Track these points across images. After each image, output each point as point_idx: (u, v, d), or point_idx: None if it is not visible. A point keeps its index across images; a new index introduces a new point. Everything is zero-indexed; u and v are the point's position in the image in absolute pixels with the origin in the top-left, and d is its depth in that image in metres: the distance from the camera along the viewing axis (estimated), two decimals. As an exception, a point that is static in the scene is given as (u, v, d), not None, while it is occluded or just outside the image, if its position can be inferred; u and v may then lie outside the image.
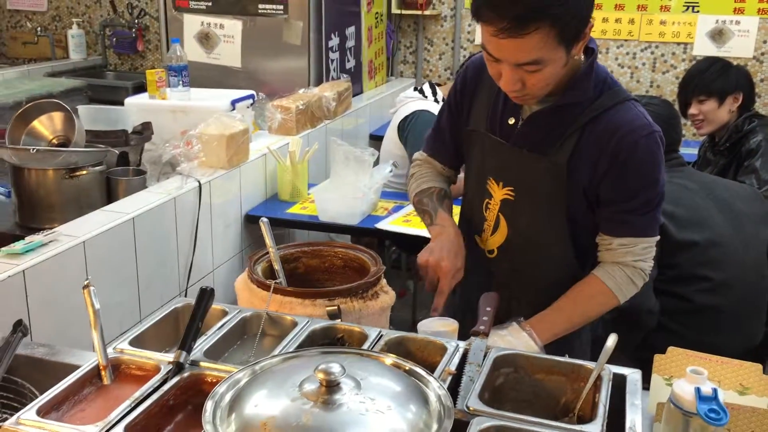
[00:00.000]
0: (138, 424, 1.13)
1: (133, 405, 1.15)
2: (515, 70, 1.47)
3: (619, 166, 1.57)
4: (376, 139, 4.11)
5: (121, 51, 5.40)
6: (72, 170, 2.35)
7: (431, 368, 1.27)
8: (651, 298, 2.27)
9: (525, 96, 1.54)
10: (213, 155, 2.69)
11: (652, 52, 4.55)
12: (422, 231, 2.39)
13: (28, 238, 1.96)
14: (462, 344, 1.40)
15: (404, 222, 2.79)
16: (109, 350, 1.30)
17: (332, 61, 3.98)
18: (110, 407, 1.15)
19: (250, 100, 3.22)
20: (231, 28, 3.86)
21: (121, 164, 2.62)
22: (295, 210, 2.95)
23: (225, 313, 1.49)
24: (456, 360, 1.35)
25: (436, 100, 3.27)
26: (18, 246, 1.90)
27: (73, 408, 1.19)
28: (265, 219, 1.72)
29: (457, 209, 1.89)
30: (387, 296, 1.68)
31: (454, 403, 1.14)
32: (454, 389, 1.25)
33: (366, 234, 2.94)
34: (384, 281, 1.72)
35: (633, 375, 1.33)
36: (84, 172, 2.37)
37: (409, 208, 2.92)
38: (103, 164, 2.46)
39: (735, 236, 2.37)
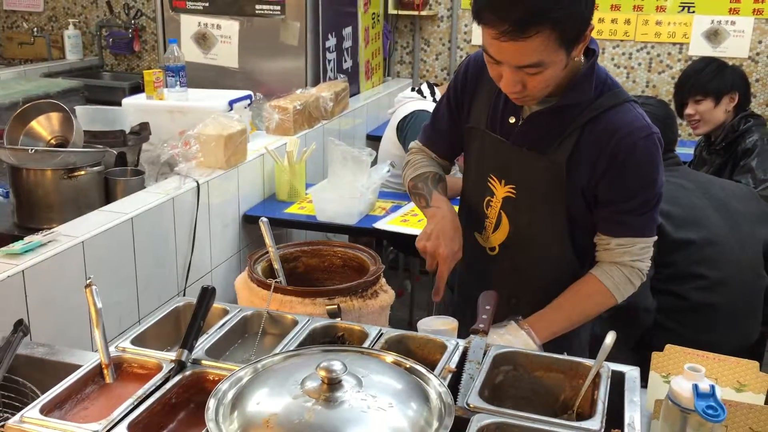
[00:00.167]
0: (141, 422, 1.13)
1: (135, 403, 1.16)
2: (516, 72, 1.48)
3: (617, 166, 1.59)
4: (373, 140, 4.12)
5: (118, 51, 5.39)
6: (70, 170, 2.36)
7: (431, 366, 1.28)
8: (648, 296, 2.28)
9: (525, 97, 1.56)
10: (211, 155, 2.69)
11: (648, 53, 4.57)
12: (420, 231, 2.39)
13: (27, 238, 1.96)
14: (462, 342, 1.41)
15: (402, 222, 2.80)
16: (111, 349, 1.30)
17: (329, 61, 3.99)
18: (113, 405, 1.15)
19: (248, 101, 3.22)
20: (228, 28, 3.86)
21: (119, 165, 2.62)
22: (293, 210, 2.95)
23: (226, 312, 1.50)
24: (456, 358, 1.36)
25: (434, 100, 3.28)
26: (17, 246, 1.90)
27: (75, 406, 1.20)
28: (264, 219, 1.73)
29: (455, 208, 1.89)
30: (386, 295, 1.69)
31: (455, 401, 1.15)
32: (454, 387, 1.25)
33: (364, 234, 2.94)
34: (383, 280, 1.73)
35: (631, 372, 1.34)
36: (82, 172, 2.37)
37: (407, 208, 2.93)
38: (101, 164, 2.46)
39: (731, 235, 2.39)
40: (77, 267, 2.01)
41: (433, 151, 1.92)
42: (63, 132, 2.52)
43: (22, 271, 1.82)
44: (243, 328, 1.50)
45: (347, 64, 4.22)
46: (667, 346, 1.36)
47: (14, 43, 5.56)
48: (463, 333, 1.54)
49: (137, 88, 4.52)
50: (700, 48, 4.43)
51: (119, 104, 3.09)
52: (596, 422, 1.17)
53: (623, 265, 1.67)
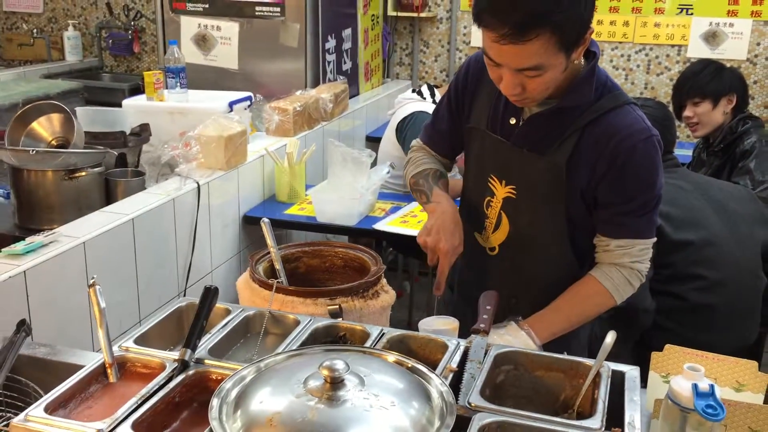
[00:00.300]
0: (144, 420, 1.14)
1: (139, 402, 1.17)
2: (516, 74, 1.49)
3: (617, 169, 1.59)
4: (372, 141, 4.12)
5: (117, 53, 5.39)
6: (71, 171, 2.36)
7: (433, 366, 1.29)
8: (647, 297, 2.29)
9: (525, 99, 1.57)
10: (211, 156, 2.70)
11: (647, 54, 4.58)
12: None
13: (28, 239, 1.96)
14: (463, 342, 1.42)
15: (401, 223, 2.81)
16: (114, 348, 1.31)
17: (329, 63, 4.00)
18: (117, 404, 1.16)
19: (248, 102, 3.23)
20: (228, 30, 3.87)
21: (120, 166, 2.63)
22: (293, 211, 2.96)
23: (228, 312, 1.50)
24: (457, 357, 1.36)
25: (433, 102, 3.29)
26: (19, 246, 1.91)
27: (80, 405, 1.20)
28: (266, 219, 1.74)
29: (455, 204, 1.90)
30: (387, 295, 1.70)
31: (456, 400, 1.16)
32: (455, 386, 1.26)
33: (363, 235, 2.95)
34: (384, 280, 1.74)
35: (631, 372, 1.35)
36: (83, 173, 2.38)
37: (407, 209, 2.94)
38: (102, 166, 2.47)
39: (730, 236, 2.40)
40: (78, 267, 2.02)
41: (433, 150, 1.93)
42: (64, 133, 2.53)
43: (24, 271, 1.82)
44: (245, 327, 1.51)
45: (347, 65, 4.23)
46: (667, 346, 1.37)
47: (14, 44, 5.56)
48: (463, 333, 1.55)
49: (137, 90, 4.52)
50: (698, 50, 4.44)
51: (119, 105, 3.09)
52: (597, 421, 1.18)
53: (623, 267, 1.68)
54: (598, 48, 1.63)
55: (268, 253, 1.74)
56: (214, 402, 1.07)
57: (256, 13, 3.80)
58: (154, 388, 1.21)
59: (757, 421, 1.23)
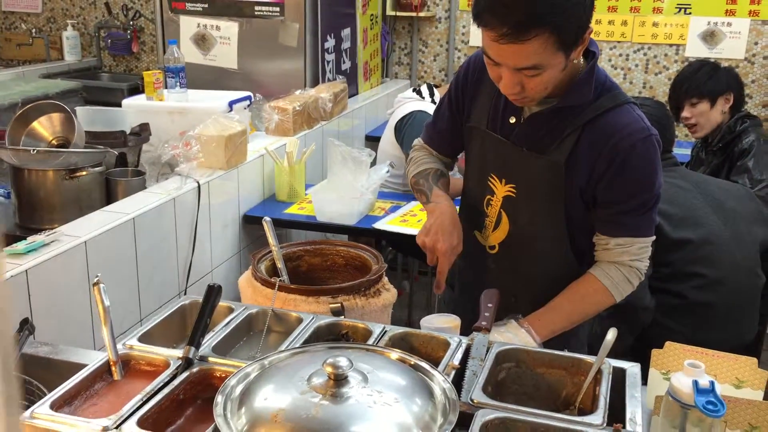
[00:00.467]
0: (149, 417, 1.15)
1: (144, 399, 1.17)
2: (515, 73, 1.50)
3: (616, 168, 1.60)
4: (371, 140, 4.13)
5: (116, 52, 5.40)
6: (72, 171, 2.36)
7: (435, 363, 1.29)
8: (646, 295, 2.30)
9: (524, 99, 1.57)
10: (211, 156, 2.70)
11: (645, 54, 4.59)
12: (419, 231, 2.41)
13: (30, 238, 1.97)
14: (464, 340, 1.43)
15: (401, 222, 2.82)
16: (119, 346, 1.32)
17: (328, 62, 4.00)
18: (121, 402, 1.17)
19: (247, 102, 3.23)
20: (227, 29, 3.87)
21: (120, 165, 2.63)
22: (293, 210, 2.96)
23: (231, 310, 1.51)
24: (459, 355, 1.37)
25: (433, 101, 3.29)
26: (20, 246, 1.91)
27: (85, 402, 1.21)
28: (268, 218, 1.75)
29: (454, 204, 1.91)
30: (389, 293, 1.71)
31: (459, 396, 1.16)
32: (458, 383, 1.27)
33: (363, 234, 2.96)
34: (386, 279, 1.75)
35: (632, 368, 1.35)
36: (84, 172, 2.38)
37: (406, 209, 2.94)
38: (102, 165, 2.47)
39: (728, 235, 2.41)
40: (80, 267, 2.02)
41: (434, 150, 1.94)
42: (64, 133, 2.53)
43: (26, 270, 1.83)
44: (248, 325, 1.51)
45: (346, 65, 4.24)
46: (667, 343, 1.38)
47: (13, 44, 5.56)
48: (464, 331, 1.56)
49: (136, 89, 4.52)
50: (696, 49, 4.46)
51: (118, 105, 3.09)
52: (598, 417, 1.19)
53: (622, 265, 1.68)
54: (598, 48, 1.64)
55: (270, 251, 1.74)
56: (219, 399, 1.07)
57: (256, 13, 3.81)
58: (159, 386, 1.21)
59: (757, 417, 1.24)
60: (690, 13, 4.44)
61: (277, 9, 3.77)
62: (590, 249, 1.73)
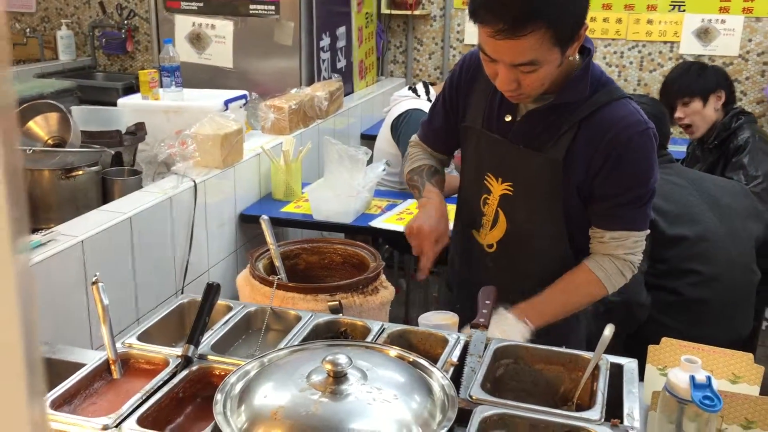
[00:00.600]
0: (149, 416, 1.15)
1: (144, 398, 1.18)
2: (511, 70, 1.51)
3: (613, 162, 1.61)
4: (367, 139, 4.13)
5: (111, 52, 5.38)
6: (68, 171, 2.36)
7: (433, 360, 1.30)
8: (642, 291, 2.31)
9: (520, 95, 1.58)
10: (208, 155, 2.70)
11: (639, 51, 4.60)
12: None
13: (27, 238, 1.96)
14: (463, 336, 1.43)
15: (397, 220, 2.82)
16: (118, 345, 1.32)
17: (323, 61, 4.00)
18: (121, 400, 1.17)
19: (243, 100, 3.23)
20: (222, 28, 3.87)
21: (116, 164, 2.63)
22: (289, 209, 2.96)
23: (230, 309, 1.51)
24: (457, 352, 1.38)
25: (429, 99, 3.30)
26: (18, 245, 1.91)
27: (84, 401, 1.21)
28: (265, 217, 1.75)
29: (451, 207, 1.91)
30: (387, 291, 1.71)
31: (458, 393, 1.17)
32: (456, 380, 1.28)
33: (360, 232, 2.96)
34: (383, 276, 1.75)
35: (630, 364, 1.36)
36: (80, 172, 2.38)
37: (403, 207, 2.95)
38: (98, 164, 2.47)
39: (724, 231, 2.42)
40: (77, 266, 2.02)
41: (429, 147, 1.95)
42: (60, 132, 2.53)
43: (23, 270, 1.82)
44: (247, 324, 1.52)
45: (341, 63, 4.24)
46: (663, 339, 1.38)
47: (6, 43, 5.54)
48: (462, 327, 1.57)
49: (130, 89, 4.51)
50: (690, 46, 4.47)
51: (113, 104, 3.09)
52: (596, 412, 1.19)
53: (616, 258, 1.69)
54: (593, 44, 1.65)
55: (267, 250, 1.75)
56: (219, 397, 1.08)
57: (251, 12, 3.80)
58: (158, 384, 1.22)
59: (753, 412, 1.25)
60: (684, 11, 4.45)
61: (273, 8, 3.77)
62: (587, 246, 1.74)
